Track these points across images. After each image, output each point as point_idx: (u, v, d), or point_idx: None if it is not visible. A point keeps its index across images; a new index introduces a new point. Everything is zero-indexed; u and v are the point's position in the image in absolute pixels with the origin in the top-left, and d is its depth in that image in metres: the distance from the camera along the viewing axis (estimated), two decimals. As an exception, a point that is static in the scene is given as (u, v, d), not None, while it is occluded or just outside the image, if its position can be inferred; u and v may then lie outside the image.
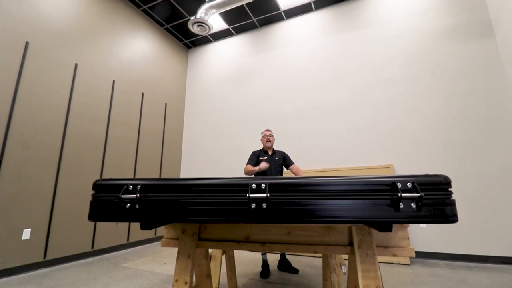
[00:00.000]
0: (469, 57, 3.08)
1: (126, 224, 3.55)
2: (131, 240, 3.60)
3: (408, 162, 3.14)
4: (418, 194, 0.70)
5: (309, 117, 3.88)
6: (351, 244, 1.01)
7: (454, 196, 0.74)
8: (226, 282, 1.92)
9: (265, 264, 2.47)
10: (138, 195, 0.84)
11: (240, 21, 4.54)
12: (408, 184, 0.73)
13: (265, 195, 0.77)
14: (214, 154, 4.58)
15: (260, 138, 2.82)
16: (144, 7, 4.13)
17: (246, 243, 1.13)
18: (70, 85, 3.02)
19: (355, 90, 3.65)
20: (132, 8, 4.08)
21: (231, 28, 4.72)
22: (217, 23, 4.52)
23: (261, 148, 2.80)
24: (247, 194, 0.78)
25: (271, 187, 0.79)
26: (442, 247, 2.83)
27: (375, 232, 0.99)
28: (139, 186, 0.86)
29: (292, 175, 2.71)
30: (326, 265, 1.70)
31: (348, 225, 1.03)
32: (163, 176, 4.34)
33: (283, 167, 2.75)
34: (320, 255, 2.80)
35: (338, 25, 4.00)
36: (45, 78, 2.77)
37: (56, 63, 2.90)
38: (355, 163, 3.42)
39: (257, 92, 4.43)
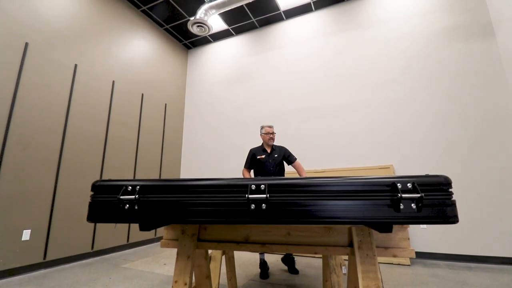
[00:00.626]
0: (470, 58, 3.08)
1: (126, 225, 3.55)
2: (131, 241, 3.59)
3: (409, 163, 3.14)
4: (418, 195, 0.70)
5: (309, 118, 3.88)
6: (351, 244, 1.01)
7: (454, 197, 0.74)
8: (226, 283, 1.92)
9: (262, 264, 2.44)
10: (137, 196, 0.84)
11: (239, 22, 4.54)
12: (408, 184, 0.73)
13: (264, 196, 0.76)
14: (214, 154, 4.58)
15: (261, 133, 2.65)
16: (144, 7, 4.13)
17: (246, 244, 1.12)
18: (69, 86, 3.02)
19: (355, 91, 3.65)
20: (132, 8, 4.08)
21: (231, 28, 4.72)
22: (216, 23, 4.52)
23: (261, 144, 2.68)
24: (246, 195, 0.77)
25: (271, 188, 0.78)
26: (442, 248, 2.82)
27: (375, 232, 0.99)
28: (138, 187, 0.86)
29: (294, 172, 2.66)
30: (326, 265, 1.70)
31: (348, 225, 1.02)
32: (163, 177, 4.33)
33: (284, 163, 2.64)
34: (320, 255, 2.79)
35: (338, 26, 4.00)
36: (44, 79, 2.77)
37: (56, 64, 2.90)
38: (355, 164, 3.42)
39: (257, 92, 4.43)
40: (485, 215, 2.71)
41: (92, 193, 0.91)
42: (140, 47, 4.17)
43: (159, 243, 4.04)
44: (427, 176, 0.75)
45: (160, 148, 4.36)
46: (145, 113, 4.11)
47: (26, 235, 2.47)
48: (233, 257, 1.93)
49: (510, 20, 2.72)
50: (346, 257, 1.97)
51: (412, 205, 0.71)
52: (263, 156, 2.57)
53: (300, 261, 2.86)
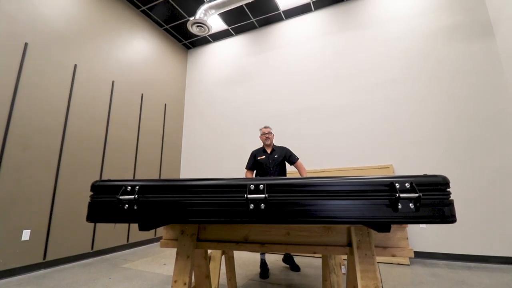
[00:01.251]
0: (469, 58, 3.08)
1: (126, 225, 3.55)
2: (131, 241, 3.59)
3: (408, 162, 3.14)
4: (416, 195, 0.70)
5: (309, 118, 3.88)
6: (350, 244, 1.01)
7: (453, 196, 0.74)
8: (226, 283, 1.92)
9: (263, 264, 2.47)
10: (136, 196, 0.84)
11: (239, 22, 4.55)
12: (406, 184, 0.73)
13: (263, 195, 0.77)
14: (213, 154, 4.58)
15: (259, 135, 2.73)
16: (143, 7, 4.13)
17: (245, 243, 1.13)
18: (69, 86, 3.02)
19: (355, 91, 3.66)
20: (131, 9, 4.09)
21: (231, 28, 4.73)
22: (216, 23, 4.52)
23: (261, 146, 2.74)
24: (245, 195, 0.78)
25: (270, 188, 0.79)
26: (441, 248, 2.83)
27: (374, 232, 0.99)
28: (137, 187, 0.86)
29: (297, 172, 2.68)
30: (325, 265, 1.70)
31: (347, 225, 1.03)
32: (162, 177, 4.34)
33: (286, 163, 2.67)
34: (320, 255, 2.80)
35: (338, 26, 4.00)
36: (44, 79, 2.77)
37: (55, 64, 2.90)
38: (355, 164, 3.42)
39: (257, 92, 4.43)
40: (484, 214, 2.71)
41: (91, 193, 0.91)
42: (139, 47, 4.18)
43: (158, 243, 4.04)
44: (425, 176, 0.75)
45: (159, 148, 4.36)
46: (144, 113, 4.11)
47: (26, 235, 2.47)
48: (232, 257, 1.93)
49: (509, 20, 2.73)
50: (346, 256, 1.98)
51: (410, 204, 0.72)
52: (263, 157, 2.61)
53: (300, 261, 2.86)
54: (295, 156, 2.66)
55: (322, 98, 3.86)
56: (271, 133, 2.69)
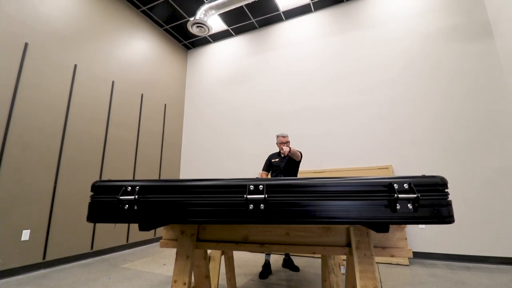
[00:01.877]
0: (468, 58, 3.09)
1: (126, 225, 3.55)
2: (131, 241, 3.60)
3: (407, 163, 3.15)
4: (415, 195, 0.71)
5: (309, 118, 3.89)
6: (349, 244, 1.01)
7: (452, 197, 0.75)
8: (225, 283, 1.93)
9: (266, 264, 2.48)
10: (136, 196, 0.84)
11: (239, 22, 4.55)
12: (404, 185, 0.74)
13: (262, 196, 0.77)
14: (213, 155, 4.58)
15: (276, 142, 2.78)
16: (144, 8, 4.13)
17: (245, 244, 1.13)
18: (69, 86, 3.02)
19: (355, 91, 3.66)
20: (132, 9, 4.09)
21: (231, 29, 4.73)
22: (216, 24, 4.53)
23: (278, 151, 2.86)
24: (245, 195, 0.78)
25: (269, 188, 0.79)
26: (441, 248, 2.83)
27: (373, 233, 1.00)
28: (138, 187, 0.87)
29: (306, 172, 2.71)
30: (324, 265, 1.70)
31: (346, 226, 1.03)
32: (162, 177, 4.34)
33: (298, 165, 2.80)
34: (319, 255, 2.80)
35: (338, 26, 4.01)
36: (44, 79, 2.77)
37: (55, 64, 2.91)
38: (355, 164, 3.43)
39: (257, 93, 4.44)
40: (484, 215, 2.72)
41: (92, 193, 0.92)
42: (140, 47, 4.18)
43: (158, 243, 4.03)
44: (423, 176, 0.76)
45: (159, 149, 4.37)
46: (144, 114, 4.11)
47: (25, 235, 2.47)
48: (232, 257, 1.93)
49: (508, 20, 2.74)
50: (345, 257, 1.99)
51: (409, 205, 0.72)
52: (277, 160, 2.79)
53: (299, 261, 2.86)
54: (298, 151, 2.69)
55: (322, 98, 3.87)
56: (289, 141, 2.72)
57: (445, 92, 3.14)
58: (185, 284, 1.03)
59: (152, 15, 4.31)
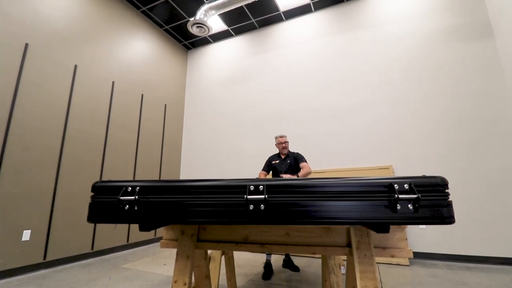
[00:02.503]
0: (470, 58, 3.09)
1: (126, 225, 3.56)
2: (131, 241, 3.60)
3: (408, 163, 3.15)
4: (415, 196, 0.71)
5: (309, 118, 3.89)
6: (349, 245, 1.01)
7: (453, 197, 0.75)
8: (226, 283, 1.93)
9: (268, 265, 2.47)
10: (136, 196, 0.84)
11: (239, 22, 4.55)
12: (405, 185, 0.74)
13: (263, 196, 0.77)
14: (213, 155, 4.58)
15: (275, 143, 2.84)
16: (144, 8, 4.14)
17: (245, 244, 1.13)
18: (69, 87, 3.02)
19: (355, 92, 3.66)
20: (132, 9, 4.09)
21: (231, 29, 4.73)
22: (216, 24, 4.53)
23: (278, 152, 2.88)
24: (245, 196, 0.78)
25: (269, 189, 0.79)
26: (441, 248, 2.83)
27: (373, 233, 1.00)
28: (138, 188, 0.87)
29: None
30: (325, 266, 1.70)
31: (346, 226, 1.03)
32: (162, 178, 4.34)
33: (298, 167, 2.74)
34: (319, 256, 2.80)
35: (338, 26, 4.01)
36: (44, 79, 2.78)
37: (56, 65, 2.91)
38: (355, 164, 3.42)
39: (257, 93, 4.44)
40: (484, 215, 2.72)
41: (92, 193, 0.92)
42: (140, 47, 4.18)
43: (158, 243, 4.04)
44: (423, 177, 0.76)
45: (160, 149, 4.37)
46: (145, 114, 4.12)
47: (26, 235, 2.47)
48: (232, 257, 1.94)
49: (509, 21, 2.73)
50: (345, 257, 1.99)
51: (409, 205, 0.72)
52: (277, 162, 2.77)
53: (299, 261, 2.86)
54: (304, 158, 2.73)
55: (322, 98, 3.86)
56: (287, 141, 2.80)
57: (445, 93, 3.13)
58: (185, 284, 1.03)
59: (152, 15, 4.31)
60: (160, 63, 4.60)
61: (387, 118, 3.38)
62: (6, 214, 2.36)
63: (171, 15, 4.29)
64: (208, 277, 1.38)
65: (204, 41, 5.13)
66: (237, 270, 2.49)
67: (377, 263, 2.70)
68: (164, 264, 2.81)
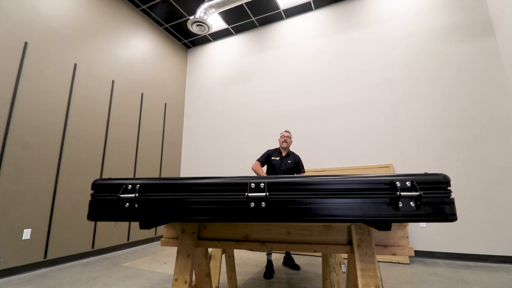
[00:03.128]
0: (470, 57, 3.08)
1: (126, 223, 3.56)
2: (131, 239, 3.60)
3: (408, 162, 3.14)
4: (417, 193, 0.70)
5: (309, 117, 3.88)
6: (350, 243, 1.01)
7: (454, 196, 0.74)
8: (226, 281, 1.93)
9: (269, 264, 2.46)
10: (137, 194, 0.84)
11: (239, 21, 4.54)
12: (407, 183, 0.73)
13: (264, 194, 0.77)
14: (213, 154, 4.58)
15: (278, 138, 2.81)
16: (143, 6, 4.12)
17: (246, 242, 1.13)
18: (69, 86, 3.02)
19: (355, 90, 3.65)
20: (131, 8, 4.08)
21: (231, 27, 4.72)
22: (216, 22, 4.52)
23: (277, 147, 2.80)
24: (246, 193, 0.78)
25: (270, 186, 0.79)
26: (441, 247, 2.83)
27: (374, 231, 0.99)
28: (138, 185, 0.86)
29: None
30: (325, 264, 1.70)
31: (348, 224, 1.03)
32: (163, 176, 4.34)
33: (296, 171, 2.72)
34: (320, 254, 2.80)
35: (339, 25, 4.00)
36: (44, 78, 2.77)
37: (55, 64, 2.90)
38: (355, 163, 3.42)
39: (257, 92, 4.43)
40: (484, 214, 2.72)
41: (92, 191, 0.91)
42: (139, 46, 4.17)
43: (159, 242, 4.05)
44: (425, 174, 0.75)
45: (160, 148, 4.36)
46: (145, 113, 4.11)
47: (26, 234, 2.47)
48: (233, 255, 1.93)
49: (510, 19, 2.72)
50: (346, 255, 1.98)
51: (411, 203, 0.72)
52: (277, 159, 2.66)
53: (300, 260, 2.86)
54: (303, 169, 2.73)
55: (322, 97, 3.86)
56: (290, 138, 2.76)
57: (446, 91, 3.12)
58: (186, 282, 1.03)
59: (152, 13, 4.30)
60: (160, 62, 4.59)
61: (388, 116, 3.37)
62: (7, 213, 2.36)
63: (171, 13, 4.28)
64: (208, 275, 1.38)
65: (204, 40, 5.12)
66: (237, 269, 2.49)
67: (378, 261, 2.69)
68: (165, 263, 2.81)
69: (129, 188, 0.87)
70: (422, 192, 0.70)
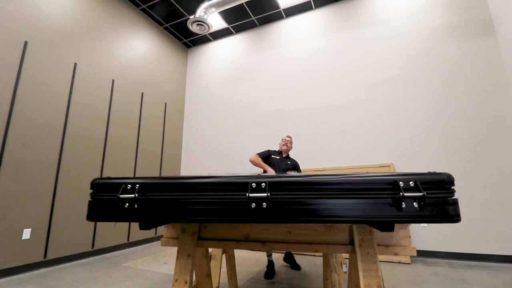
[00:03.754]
0: (470, 56, 3.06)
1: (126, 223, 3.55)
2: (131, 239, 3.59)
3: (409, 161, 3.13)
4: (421, 194, 0.69)
5: (309, 116, 3.87)
6: (352, 243, 1.00)
7: (455, 195, 0.73)
8: (227, 282, 1.92)
9: (270, 264, 2.45)
10: (136, 194, 0.83)
11: (239, 20, 4.52)
12: (410, 182, 0.72)
13: (265, 194, 0.75)
14: (214, 154, 4.57)
15: (279, 142, 2.91)
16: (144, 6, 4.11)
17: (246, 242, 1.12)
18: (69, 85, 3.01)
19: (356, 89, 3.64)
20: (131, 7, 4.07)
21: (231, 27, 4.70)
22: (216, 22, 4.50)
23: (278, 149, 2.88)
24: (247, 194, 0.77)
25: (271, 186, 0.77)
26: (443, 246, 2.82)
27: (376, 230, 0.98)
28: (138, 185, 0.85)
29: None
30: (326, 264, 1.69)
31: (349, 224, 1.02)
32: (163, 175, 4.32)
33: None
34: (321, 254, 2.79)
35: (339, 24, 3.98)
36: (44, 77, 2.76)
37: (55, 63, 2.89)
38: (355, 162, 3.41)
39: (257, 91, 4.42)
40: (485, 213, 2.71)
41: (91, 191, 0.90)
42: (139, 45, 4.16)
43: (159, 242, 4.04)
44: (429, 173, 0.74)
45: (160, 147, 4.36)
46: (145, 112, 4.10)
47: (26, 234, 2.46)
48: (233, 255, 1.93)
49: (510, 18, 2.71)
50: (347, 255, 1.98)
51: (414, 203, 0.70)
52: (277, 157, 2.72)
53: (301, 260, 2.86)
54: (300, 172, 2.78)
55: (322, 96, 3.84)
56: (291, 143, 2.86)
57: (446, 90, 3.11)
58: (186, 282, 1.02)
59: (152, 13, 4.29)
60: (160, 61, 4.58)
61: (388, 115, 3.36)
62: (7, 212, 2.35)
63: (171, 13, 4.27)
64: (209, 275, 1.37)
65: (204, 39, 5.11)
66: (238, 269, 2.48)
67: (379, 261, 2.68)
68: (165, 263, 2.81)
69: (128, 188, 0.85)
70: (425, 193, 0.69)
